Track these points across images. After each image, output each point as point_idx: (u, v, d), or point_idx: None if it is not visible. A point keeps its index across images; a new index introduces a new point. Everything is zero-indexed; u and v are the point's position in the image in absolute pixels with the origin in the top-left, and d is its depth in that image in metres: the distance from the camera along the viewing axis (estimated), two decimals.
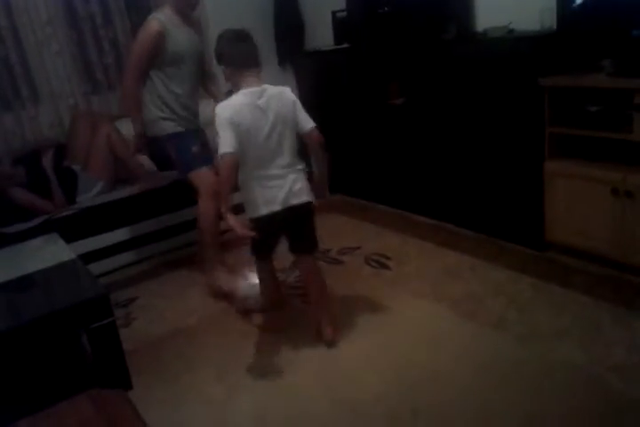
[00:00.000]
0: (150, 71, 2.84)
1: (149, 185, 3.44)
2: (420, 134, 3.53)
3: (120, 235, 3.35)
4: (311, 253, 2.49)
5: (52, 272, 2.38)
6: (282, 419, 2.05)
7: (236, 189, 2.34)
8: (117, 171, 3.55)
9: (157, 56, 2.80)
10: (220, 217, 2.64)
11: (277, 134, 2.26)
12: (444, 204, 3.53)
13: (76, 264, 2.44)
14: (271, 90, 2.28)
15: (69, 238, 2.86)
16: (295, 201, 2.30)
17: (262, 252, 2.57)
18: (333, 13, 4.01)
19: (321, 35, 4.26)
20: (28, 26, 3.53)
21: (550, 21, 2.80)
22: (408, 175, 3.72)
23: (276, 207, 2.28)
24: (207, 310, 2.90)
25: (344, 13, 3.92)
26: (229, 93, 2.35)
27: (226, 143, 2.15)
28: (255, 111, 2.22)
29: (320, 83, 4.23)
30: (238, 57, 2.28)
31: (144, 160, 3.54)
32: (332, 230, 3.71)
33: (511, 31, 2.96)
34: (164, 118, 2.90)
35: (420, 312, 2.63)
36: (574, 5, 2.67)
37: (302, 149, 2.42)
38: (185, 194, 3.13)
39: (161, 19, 2.78)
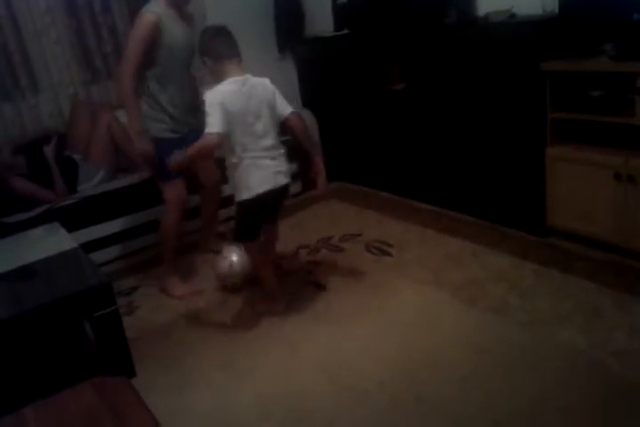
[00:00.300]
0: (143, 69, 2.72)
1: (150, 174, 3.43)
2: (421, 120, 3.51)
3: (122, 224, 3.36)
4: (276, 222, 2.78)
5: (54, 261, 2.38)
6: (284, 406, 2.06)
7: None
8: (118, 160, 3.54)
9: (153, 50, 2.68)
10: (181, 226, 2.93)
11: (262, 119, 2.44)
12: (445, 190, 3.52)
13: (78, 253, 2.44)
14: (253, 79, 2.46)
15: (71, 228, 2.86)
16: (282, 181, 2.51)
17: (249, 236, 2.60)
18: None
19: (321, 21, 4.22)
20: (27, 14, 3.49)
21: (552, 5, 2.78)
22: (409, 162, 3.71)
23: (268, 187, 2.46)
24: (210, 297, 2.91)
25: None
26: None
27: (215, 124, 2.30)
28: (241, 97, 2.39)
29: (321, 69, 4.21)
30: (221, 48, 2.45)
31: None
32: (333, 217, 3.71)
33: (513, 15, 2.93)
34: (154, 119, 2.78)
35: (422, 299, 2.63)
36: None
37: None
38: (186, 183, 3.11)
39: (156, 11, 2.65)
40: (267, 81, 2.52)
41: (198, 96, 3.07)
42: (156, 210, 3.43)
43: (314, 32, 4.31)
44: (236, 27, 2.64)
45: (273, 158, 2.48)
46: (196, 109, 2.99)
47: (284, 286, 2.88)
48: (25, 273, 2.31)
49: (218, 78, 2.45)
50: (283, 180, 2.51)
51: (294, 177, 3.75)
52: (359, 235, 3.39)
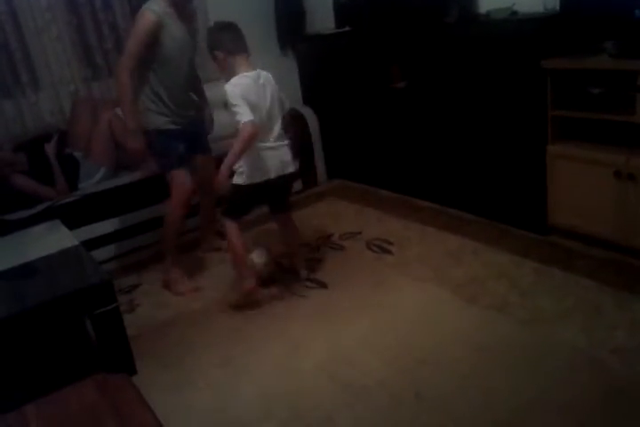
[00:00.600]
0: (144, 65, 2.73)
1: (151, 171, 3.43)
2: (422, 118, 3.51)
3: (123, 221, 3.36)
4: (288, 211, 2.93)
5: (55, 259, 2.38)
6: (284, 403, 2.07)
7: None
8: (119, 157, 3.54)
9: (153, 49, 2.70)
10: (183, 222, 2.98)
11: (273, 111, 2.60)
12: (445, 188, 3.52)
13: (79, 251, 2.45)
14: (264, 73, 2.61)
15: (72, 225, 2.86)
16: (286, 171, 2.66)
17: (235, 214, 2.72)
18: None
19: (322, 18, 4.21)
20: (28, 11, 3.50)
21: (553, 3, 2.77)
22: (410, 160, 3.71)
23: (272, 175, 2.62)
24: (211, 295, 2.92)
25: None
26: None
27: (246, 113, 2.43)
28: (258, 90, 2.55)
29: (322, 67, 4.21)
30: (231, 42, 2.57)
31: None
32: (334, 215, 3.72)
33: (514, 13, 2.93)
34: (156, 112, 2.81)
35: (423, 296, 2.63)
36: None
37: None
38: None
39: (156, 10, 2.66)
40: (271, 76, 2.65)
41: (202, 94, 3.08)
42: (158, 207, 3.43)
43: (315, 29, 4.31)
44: (238, 24, 2.65)
45: (279, 149, 2.63)
46: (197, 107, 3.00)
47: (284, 283, 2.89)
48: (26, 271, 2.31)
49: (228, 72, 2.58)
50: (287, 169, 2.67)
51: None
52: (359, 233, 3.39)
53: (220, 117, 3.29)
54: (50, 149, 3.36)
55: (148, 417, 1.33)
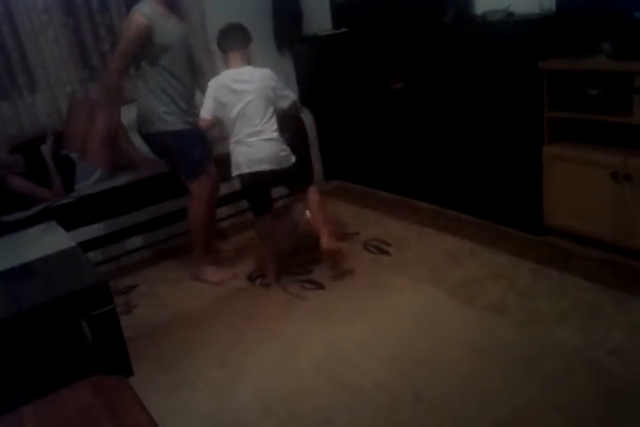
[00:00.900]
0: (148, 67, 2.76)
1: (148, 172, 3.43)
2: (419, 119, 3.51)
3: (119, 222, 3.35)
4: (307, 188, 2.92)
5: (52, 260, 2.37)
6: (283, 405, 2.06)
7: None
8: (116, 158, 3.54)
9: (146, 50, 2.71)
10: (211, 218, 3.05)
11: (250, 108, 2.67)
12: (443, 189, 3.52)
13: (76, 252, 2.43)
14: (253, 69, 2.72)
15: (68, 226, 2.85)
16: (259, 168, 2.70)
17: (253, 210, 2.94)
18: None
19: (319, 19, 4.22)
20: (24, 13, 3.49)
21: (549, 4, 2.78)
22: (408, 161, 3.71)
23: (242, 170, 2.73)
24: (208, 296, 2.91)
25: None
26: None
27: (205, 109, 2.75)
28: (235, 88, 2.68)
29: (319, 68, 4.21)
30: (225, 40, 2.75)
31: (141, 148, 3.50)
32: (332, 216, 3.70)
33: (510, 14, 2.93)
34: (170, 113, 2.81)
35: (420, 297, 2.63)
36: None
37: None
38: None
39: (145, 11, 2.67)
40: (268, 71, 2.73)
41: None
42: (154, 208, 3.44)
43: (312, 31, 4.31)
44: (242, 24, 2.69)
45: (253, 145, 2.69)
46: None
47: (282, 285, 2.89)
48: (22, 272, 2.30)
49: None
50: (262, 166, 2.70)
51: None
52: (357, 233, 3.39)
53: None
54: (46, 150, 3.35)
55: (144, 419, 1.32)
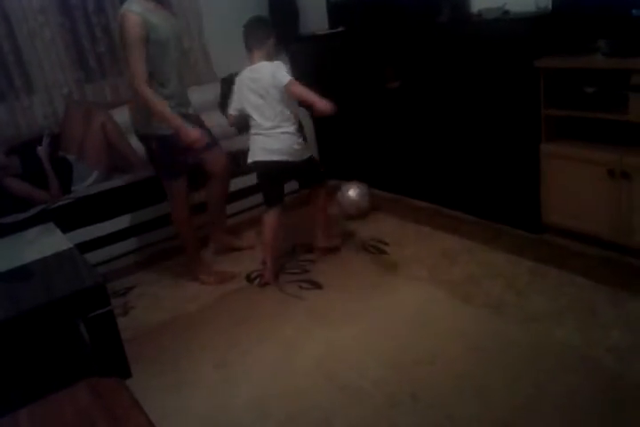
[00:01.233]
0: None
1: (145, 173, 3.42)
2: (416, 118, 3.51)
3: (116, 224, 3.34)
4: (317, 185, 3.05)
5: (49, 262, 2.37)
6: (281, 405, 2.06)
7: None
8: (112, 160, 3.53)
9: (146, 49, 2.63)
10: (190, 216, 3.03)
11: (261, 103, 2.79)
12: (440, 188, 3.52)
13: (73, 254, 2.44)
14: (262, 65, 2.80)
15: (66, 228, 2.85)
16: (271, 158, 2.83)
17: (267, 201, 3.02)
18: None
19: (315, 19, 4.21)
20: (21, 14, 3.49)
21: (545, 2, 2.77)
22: (405, 160, 3.70)
23: (257, 158, 2.85)
24: (204, 297, 2.91)
25: None
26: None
27: (231, 105, 2.90)
28: (250, 84, 2.79)
29: (315, 67, 4.19)
30: (245, 39, 2.85)
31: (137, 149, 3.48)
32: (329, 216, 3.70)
33: (506, 12, 2.93)
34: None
35: (419, 296, 2.63)
36: None
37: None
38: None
39: (136, 10, 2.60)
40: (274, 64, 2.80)
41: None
42: (151, 209, 3.43)
43: (308, 30, 4.31)
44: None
45: (268, 135, 2.81)
46: (190, 103, 2.97)
47: (279, 285, 2.89)
48: (20, 274, 2.30)
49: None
50: (273, 157, 2.82)
51: None
52: (355, 233, 3.39)
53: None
54: (42, 152, 3.34)
55: (142, 421, 1.32)
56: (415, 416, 1.91)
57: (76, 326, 2.14)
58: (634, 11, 2.47)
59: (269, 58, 2.84)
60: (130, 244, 3.41)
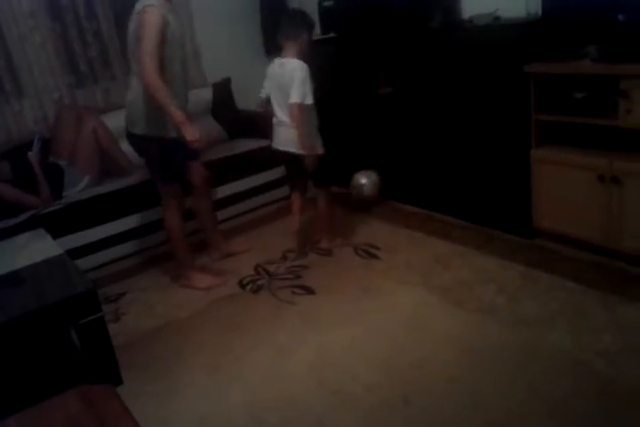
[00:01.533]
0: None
1: (136, 179, 3.41)
2: (408, 124, 3.52)
3: (107, 229, 3.32)
4: (321, 186, 3.24)
5: (40, 268, 2.36)
6: (274, 410, 2.05)
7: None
8: (104, 165, 3.52)
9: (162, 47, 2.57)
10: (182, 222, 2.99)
11: (279, 95, 2.96)
12: (432, 193, 3.53)
13: (64, 260, 2.42)
14: (288, 61, 2.91)
15: (56, 234, 2.84)
16: (288, 148, 3.01)
17: (289, 183, 3.42)
18: (320, 2, 3.98)
19: None
20: (10, 18, 3.47)
21: (536, 8, 2.80)
22: (396, 165, 3.71)
23: (279, 147, 3.08)
24: (196, 303, 2.90)
25: (331, 2, 3.88)
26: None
27: (263, 89, 3.06)
28: (277, 75, 2.94)
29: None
30: (281, 31, 2.96)
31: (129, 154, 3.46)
32: (321, 221, 3.70)
33: (497, 18, 2.95)
34: (161, 117, 2.67)
35: (411, 301, 2.63)
36: None
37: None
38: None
39: (157, 5, 2.55)
40: (296, 63, 2.88)
41: None
42: (143, 215, 3.42)
43: None
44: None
45: (282, 125, 3.01)
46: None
47: (271, 290, 2.88)
48: (10, 280, 2.29)
49: None
50: (289, 147, 3.00)
51: (282, 181, 3.78)
52: (347, 238, 3.39)
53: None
54: (33, 157, 3.32)
55: None
56: (408, 420, 1.91)
57: (66, 333, 2.13)
58: (620, 16, 2.50)
59: (301, 56, 2.92)
60: (121, 249, 3.40)
